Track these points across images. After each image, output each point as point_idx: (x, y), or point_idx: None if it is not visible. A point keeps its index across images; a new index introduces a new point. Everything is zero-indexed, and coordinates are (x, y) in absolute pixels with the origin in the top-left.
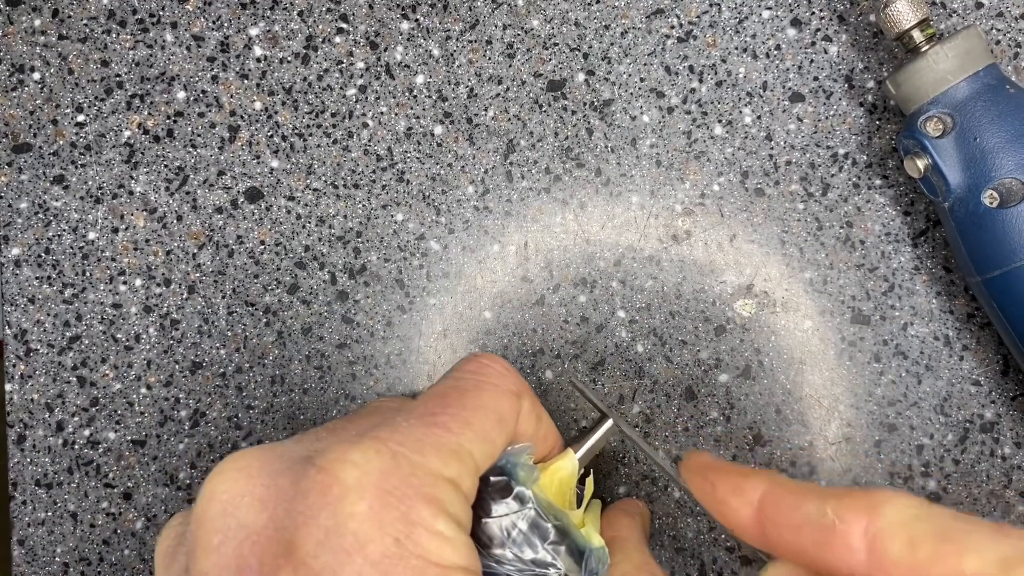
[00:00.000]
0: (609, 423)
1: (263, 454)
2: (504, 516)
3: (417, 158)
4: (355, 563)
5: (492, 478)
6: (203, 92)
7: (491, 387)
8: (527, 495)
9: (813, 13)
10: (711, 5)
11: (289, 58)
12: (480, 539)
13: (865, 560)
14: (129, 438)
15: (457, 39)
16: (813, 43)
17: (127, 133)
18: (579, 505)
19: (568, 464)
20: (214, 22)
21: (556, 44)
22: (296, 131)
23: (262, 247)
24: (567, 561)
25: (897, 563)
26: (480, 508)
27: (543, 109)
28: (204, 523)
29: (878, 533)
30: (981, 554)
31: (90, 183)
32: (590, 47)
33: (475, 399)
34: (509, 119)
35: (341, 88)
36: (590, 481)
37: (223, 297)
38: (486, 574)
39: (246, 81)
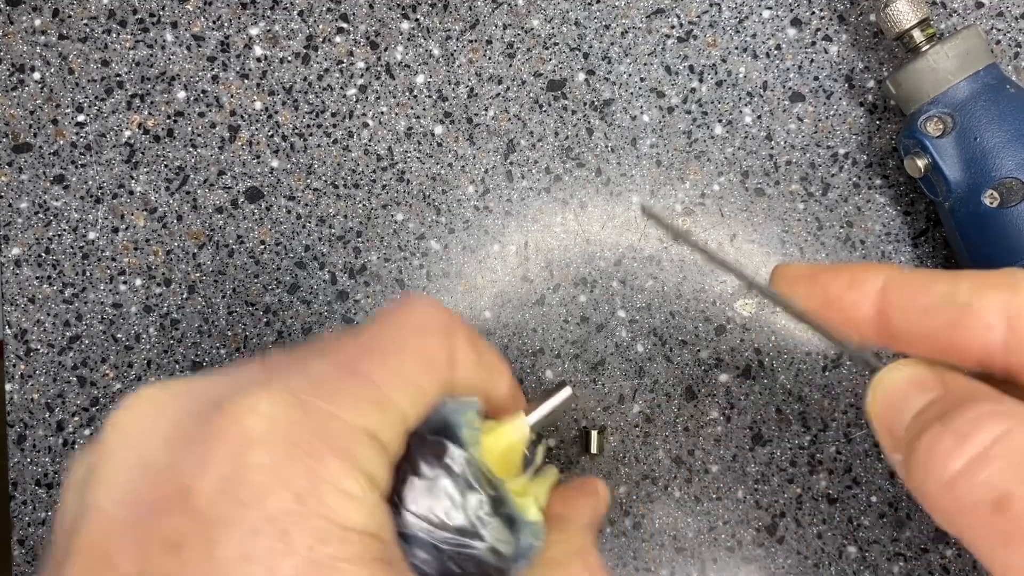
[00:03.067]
0: (568, 391)
1: (178, 389)
2: (434, 479)
3: (417, 158)
4: (250, 516)
5: (429, 437)
6: (203, 92)
7: (414, 327)
8: (463, 458)
9: (813, 13)
10: (711, 5)
11: (289, 58)
12: (405, 498)
13: (1003, 339)
14: None
15: (457, 39)
16: (813, 43)
17: (127, 133)
18: (526, 471)
19: (517, 428)
20: (214, 22)
21: (556, 44)
22: (296, 131)
23: (262, 247)
24: (500, 532)
25: None
26: (410, 464)
27: (543, 109)
28: (106, 455)
29: (1020, 310)
30: None
31: (90, 183)
32: (590, 47)
33: (397, 341)
34: (509, 119)
35: (341, 88)
36: (542, 448)
37: (223, 297)
38: (402, 534)
39: (246, 81)
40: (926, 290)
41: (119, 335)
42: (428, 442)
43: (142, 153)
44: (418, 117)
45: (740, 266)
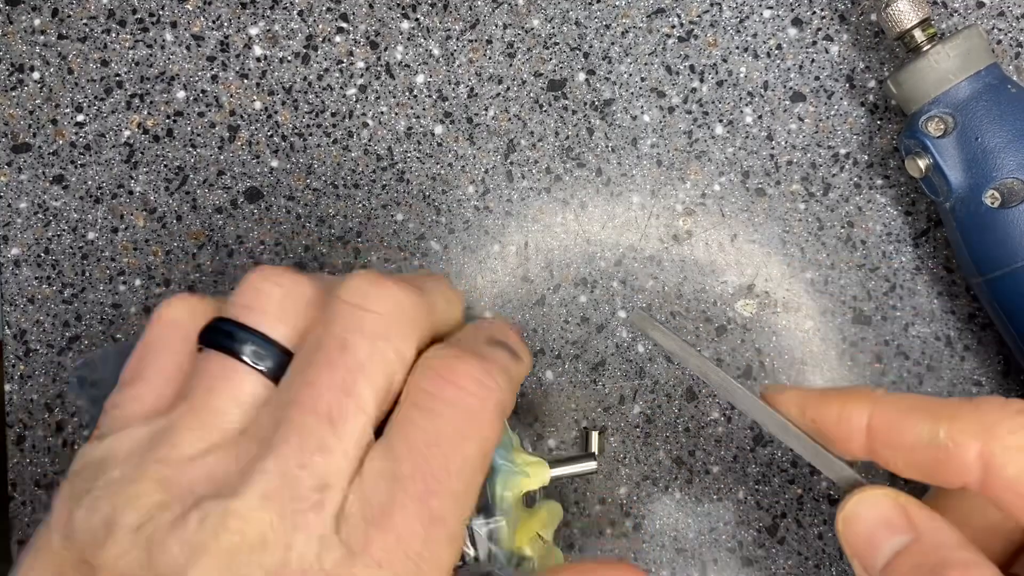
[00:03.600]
0: (593, 465)
1: (285, 526)
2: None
3: (417, 158)
4: None
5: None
6: (203, 92)
7: (476, 430)
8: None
9: (814, 12)
10: (712, 4)
11: (289, 58)
12: None
13: (980, 477)
14: None
15: (457, 38)
16: (814, 43)
17: (127, 133)
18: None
19: (539, 480)
20: (214, 21)
21: (556, 43)
22: (296, 131)
23: (262, 247)
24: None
25: (1013, 485)
26: None
27: (544, 109)
28: (200, 564)
29: (992, 460)
30: None
31: (90, 183)
32: (591, 46)
33: (462, 457)
34: (509, 119)
35: (341, 88)
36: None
37: None
38: None
39: (246, 81)
40: (908, 430)
41: (119, 336)
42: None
43: (141, 153)
44: (418, 117)
45: (729, 379)
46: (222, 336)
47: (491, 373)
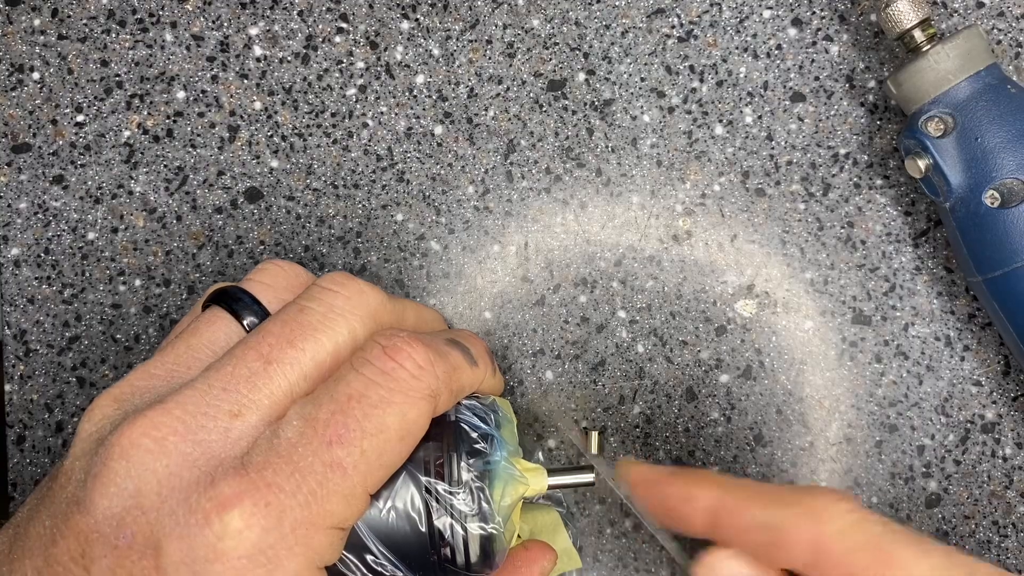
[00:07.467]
0: (591, 477)
1: (187, 436)
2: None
3: (417, 158)
4: None
5: (474, 484)
6: (203, 92)
7: (399, 402)
8: (491, 511)
9: (814, 13)
10: (712, 5)
11: (289, 58)
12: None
13: (809, 560)
14: None
15: (457, 39)
16: (814, 43)
17: (127, 133)
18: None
19: (537, 485)
20: (214, 22)
21: (556, 44)
22: (296, 131)
23: (262, 247)
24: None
25: (837, 567)
26: (459, 448)
27: (543, 109)
28: (108, 464)
29: (821, 542)
30: (907, 569)
31: (89, 183)
32: (590, 47)
33: (378, 420)
34: (509, 119)
35: (341, 88)
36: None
37: None
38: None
39: (246, 81)
40: (747, 515)
41: (119, 336)
42: (473, 484)
43: (141, 153)
44: (418, 117)
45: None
46: (221, 294)
47: (432, 362)
